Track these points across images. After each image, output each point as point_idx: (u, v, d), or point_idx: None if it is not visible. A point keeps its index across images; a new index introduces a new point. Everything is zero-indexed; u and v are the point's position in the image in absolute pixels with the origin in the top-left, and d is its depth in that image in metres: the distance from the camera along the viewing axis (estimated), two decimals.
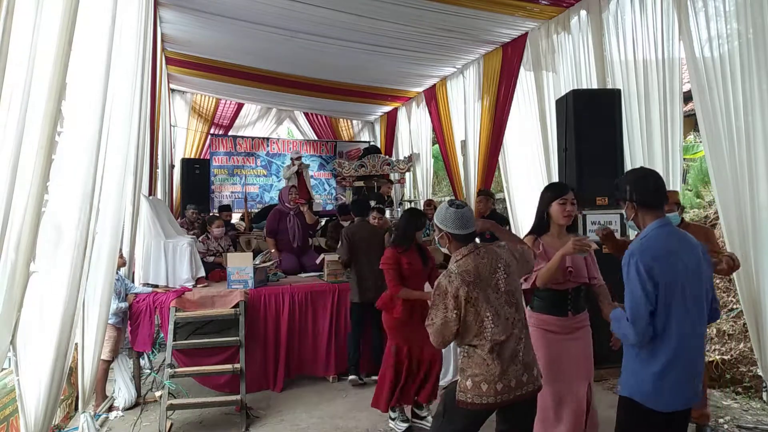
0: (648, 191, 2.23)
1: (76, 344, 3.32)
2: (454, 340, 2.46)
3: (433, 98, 8.60)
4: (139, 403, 4.48)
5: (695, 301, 2.14)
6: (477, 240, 2.72)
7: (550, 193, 2.96)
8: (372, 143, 11.71)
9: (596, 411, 2.98)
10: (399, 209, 8.12)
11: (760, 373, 3.95)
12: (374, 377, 4.27)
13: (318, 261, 5.68)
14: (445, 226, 2.49)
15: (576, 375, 2.88)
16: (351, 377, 4.87)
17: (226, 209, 8.38)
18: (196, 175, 9.83)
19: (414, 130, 9.96)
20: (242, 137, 10.85)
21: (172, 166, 9.52)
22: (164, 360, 4.42)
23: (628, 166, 4.89)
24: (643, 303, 2.10)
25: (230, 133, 10.94)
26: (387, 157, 8.60)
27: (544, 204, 2.96)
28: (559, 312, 2.87)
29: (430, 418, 3.86)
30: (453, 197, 8.77)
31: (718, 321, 4.70)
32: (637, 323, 2.13)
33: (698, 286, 2.15)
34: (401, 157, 9.73)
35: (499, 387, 2.36)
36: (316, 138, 12.01)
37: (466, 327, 2.40)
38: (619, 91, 4.86)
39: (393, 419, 3.95)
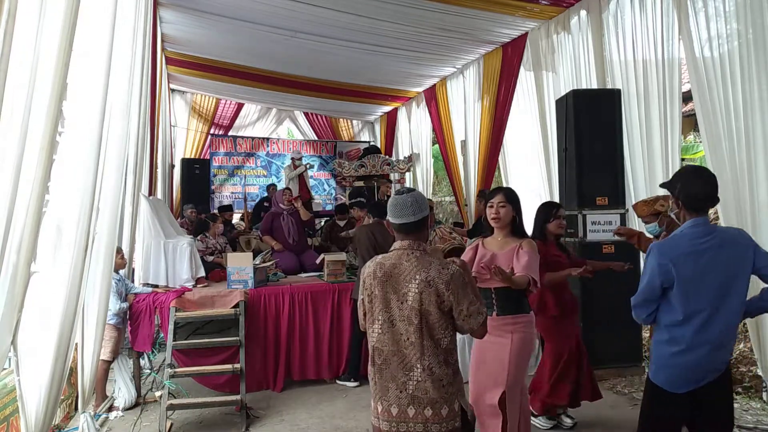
0: (696, 197, 2.32)
1: (76, 344, 3.33)
2: None
3: (433, 98, 8.59)
4: (139, 403, 4.47)
5: (717, 298, 2.23)
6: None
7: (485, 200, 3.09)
8: (372, 143, 11.71)
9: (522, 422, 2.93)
10: None
11: (760, 373, 3.95)
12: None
13: (318, 261, 5.68)
14: (388, 214, 2.20)
15: (487, 380, 2.90)
16: (354, 383, 4.79)
17: (227, 209, 8.39)
18: (196, 175, 9.86)
19: (414, 130, 9.96)
20: (242, 137, 10.86)
21: (172, 166, 9.52)
22: (164, 360, 4.41)
23: (627, 166, 4.90)
24: (643, 293, 2.30)
25: (230, 133, 10.95)
26: (387, 157, 8.57)
27: (484, 209, 3.10)
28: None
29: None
30: (453, 197, 8.77)
31: None
32: (634, 309, 2.35)
33: (724, 284, 2.24)
34: (401, 157, 9.72)
35: (380, 408, 2.14)
36: (316, 138, 12.02)
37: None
38: (619, 91, 4.87)
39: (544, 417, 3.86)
